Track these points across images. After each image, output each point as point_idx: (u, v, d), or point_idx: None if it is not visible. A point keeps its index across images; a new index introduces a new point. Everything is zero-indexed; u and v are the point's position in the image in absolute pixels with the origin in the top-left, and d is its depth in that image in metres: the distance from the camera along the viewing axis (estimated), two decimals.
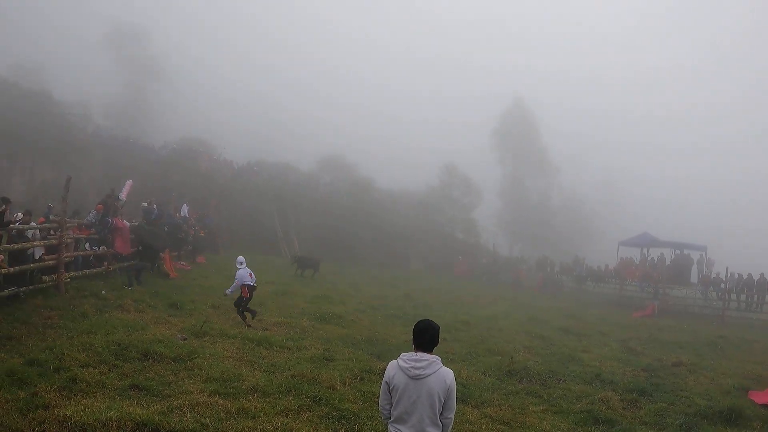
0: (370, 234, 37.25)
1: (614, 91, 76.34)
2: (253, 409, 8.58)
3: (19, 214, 15.15)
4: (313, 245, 35.22)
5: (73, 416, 7.36)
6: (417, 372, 5.20)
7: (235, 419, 8.13)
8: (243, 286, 14.83)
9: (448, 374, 5.29)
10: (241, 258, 15.41)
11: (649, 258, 37.05)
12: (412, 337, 5.37)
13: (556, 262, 38.92)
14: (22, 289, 13.43)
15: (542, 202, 52.80)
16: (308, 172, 43.24)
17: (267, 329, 14.56)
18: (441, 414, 5.26)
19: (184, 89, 46.83)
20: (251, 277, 15.01)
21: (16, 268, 13.28)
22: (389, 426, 5.44)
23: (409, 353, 5.33)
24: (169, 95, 44.41)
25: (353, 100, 66.50)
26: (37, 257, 14.71)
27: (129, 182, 23.03)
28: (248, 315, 14.94)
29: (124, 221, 19.65)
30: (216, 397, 8.88)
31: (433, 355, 5.30)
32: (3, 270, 12.75)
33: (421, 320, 5.46)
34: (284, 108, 56.94)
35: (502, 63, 76.37)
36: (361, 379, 10.97)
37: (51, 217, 16.85)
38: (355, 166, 44.73)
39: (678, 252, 35.75)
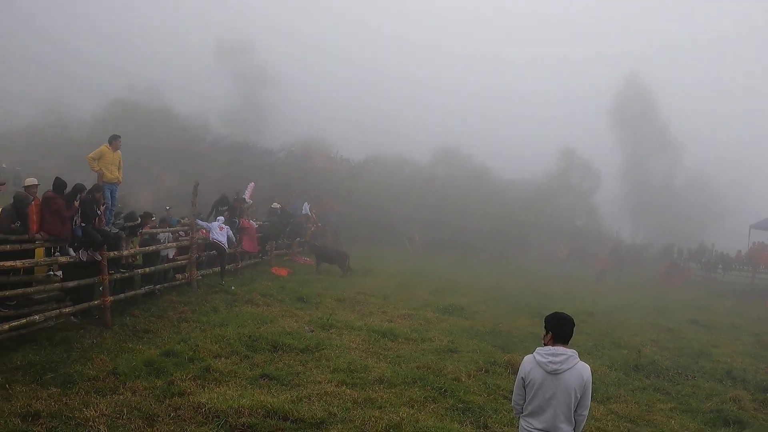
0: (487, 224, 36.42)
1: (738, 58, 69.52)
2: (380, 400, 8.48)
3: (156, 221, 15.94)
4: (431, 238, 35.01)
5: (207, 403, 7.48)
6: (555, 367, 4.94)
7: (362, 409, 8.05)
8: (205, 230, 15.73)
9: (585, 369, 5.01)
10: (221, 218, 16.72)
11: None
12: (545, 330, 5.14)
13: (683, 249, 36.25)
14: (158, 286, 14.07)
15: (665, 183, 49.38)
16: (423, 165, 42.95)
17: (392, 321, 14.45)
18: (575, 411, 5.00)
19: (294, 93, 48.07)
20: (221, 234, 15.66)
21: (152, 268, 13.90)
22: (521, 420, 5.23)
23: (546, 347, 5.08)
24: (280, 100, 45.76)
25: (467, 84, 65.29)
26: (170, 257, 15.40)
27: (251, 184, 23.79)
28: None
29: (250, 221, 20.29)
30: (343, 387, 8.85)
31: (570, 349, 5.03)
32: (140, 270, 13.37)
33: (558, 312, 5.19)
34: (396, 100, 56.83)
35: (611, 40, 71.99)
36: (486, 371, 10.68)
37: (180, 220, 17.64)
38: (471, 155, 43.93)
39: None
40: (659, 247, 37.32)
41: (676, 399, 10.40)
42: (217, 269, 16.89)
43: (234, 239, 15.87)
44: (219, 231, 15.48)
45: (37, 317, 9.83)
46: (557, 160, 45.44)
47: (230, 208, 19.11)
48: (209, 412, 7.31)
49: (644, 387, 10.97)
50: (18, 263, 9.40)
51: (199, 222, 16.05)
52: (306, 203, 27.78)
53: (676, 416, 9.40)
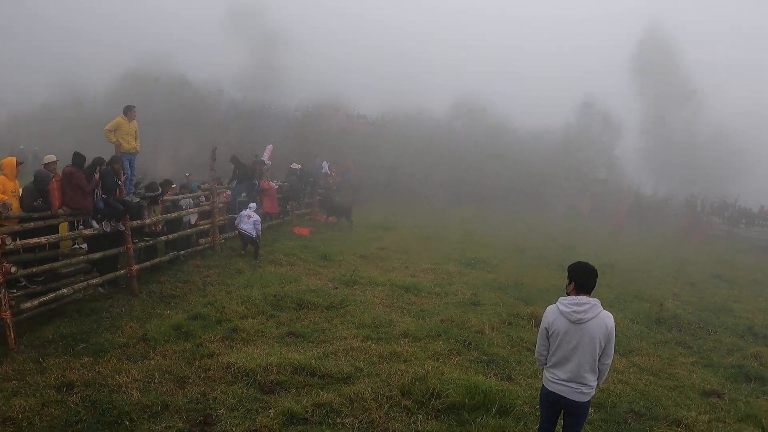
0: (507, 177, 36.14)
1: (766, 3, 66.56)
2: (405, 353, 8.59)
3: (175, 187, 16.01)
4: (451, 192, 34.87)
5: (236, 363, 7.63)
6: (579, 316, 4.94)
7: (387, 363, 8.16)
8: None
9: (608, 318, 5.00)
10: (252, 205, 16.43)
11: None
12: (568, 279, 5.11)
13: (706, 203, 35.64)
14: (182, 252, 14.23)
15: (687, 136, 48.22)
16: (442, 119, 42.46)
17: (415, 276, 14.53)
18: (599, 360, 5.01)
19: (308, 55, 47.40)
20: (248, 223, 15.60)
21: (175, 234, 14.04)
22: (545, 371, 5.25)
23: (569, 297, 5.06)
24: (295, 62, 45.21)
25: (480, 38, 63.96)
26: (192, 223, 15.53)
27: (270, 146, 23.75)
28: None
29: (270, 183, 20.35)
30: (368, 342, 8.98)
31: (593, 299, 5.01)
32: (164, 237, 13.53)
33: (580, 262, 5.16)
34: (414, 60, 55.89)
35: None
36: (509, 323, 10.79)
37: (200, 185, 17.72)
38: (489, 108, 43.29)
39: None
40: (681, 200, 36.82)
41: (698, 353, 10.41)
42: None
43: (260, 227, 16.00)
44: (247, 220, 15.60)
45: (65, 291, 10.02)
46: (577, 113, 44.65)
47: (245, 168, 19.11)
48: (238, 371, 7.46)
49: (666, 341, 11.02)
50: (43, 239, 9.55)
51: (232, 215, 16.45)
52: (325, 162, 27.71)
53: (697, 370, 9.40)
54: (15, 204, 9.50)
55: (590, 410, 5.79)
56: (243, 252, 15.74)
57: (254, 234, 15.41)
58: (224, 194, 17.55)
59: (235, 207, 17.42)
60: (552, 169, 38.03)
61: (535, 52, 62.50)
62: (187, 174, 20.21)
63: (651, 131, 47.93)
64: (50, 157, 10.75)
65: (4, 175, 9.58)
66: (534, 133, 41.44)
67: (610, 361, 5.05)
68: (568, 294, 5.10)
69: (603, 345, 4.94)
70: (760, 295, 16.71)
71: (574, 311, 4.94)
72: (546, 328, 5.14)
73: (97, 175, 11.15)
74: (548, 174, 37.64)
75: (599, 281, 5.14)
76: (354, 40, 56.20)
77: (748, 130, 48.29)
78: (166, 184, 14.56)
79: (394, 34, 60.59)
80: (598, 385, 5.13)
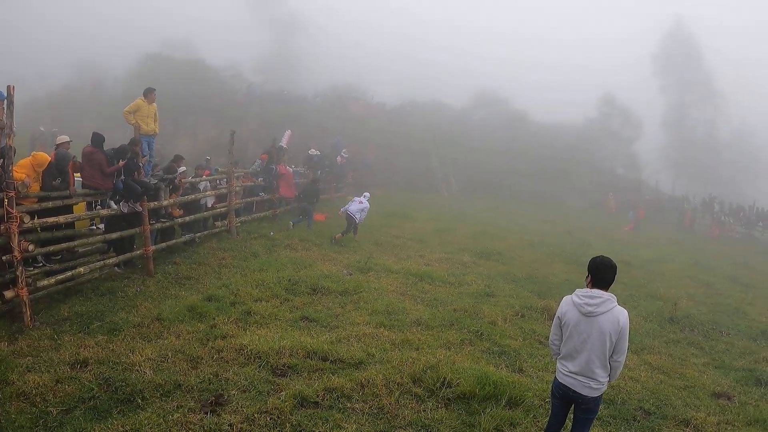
0: (525, 170, 35.94)
1: None
2: (417, 341, 8.61)
3: (183, 168, 16.03)
4: (468, 182, 34.77)
5: (249, 345, 7.67)
6: (590, 309, 4.92)
7: (399, 350, 8.17)
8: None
9: (621, 314, 4.94)
10: (367, 194, 17.75)
11: None
12: (587, 272, 5.09)
13: (725, 202, 35.16)
14: (198, 234, 14.32)
15: (709, 134, 47.41)
16: (461, 109, 42.22)
17: (429, 265, 14.54)
18: (610, 356, 4.97)
19: (327, 40, 47.21)
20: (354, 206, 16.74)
21: (191, 216, 14.13)
22: (557, 363, 5.26)
23: (584, 289, 5.06)
24: (314, 47, 45.11)
25: (506, 31, 63.37)
26: (209, 205, 15.62)
27: (288, 132, 23.80)
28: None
29: (287, 167, 20.39)
30: (381, 329, 9.00)
31: (608, 293, 4.97)
32: (180, 219, 13.62)
33: (599, 256, 5.12)
34: (433, 47, 55.47)
35: None
36: (522, 316, 10.78)
37: (218, 168, 17.80)
38: (509, 99, 42.91)
39: None
40: (699, 199, 36.43)
41: (710, 354, 10.35)
42: (257, 215, 17.95)
43: (364, 214, 17.08)
44: (358, 205, 16.79)
45: (82, 269, 10.14)
46: (598, 106, 44.16)
47: (268, 154, 19.18)
48: (251, 353, 7.50)
49: (678, 340, 10.97)
50: (60, 218, 9.64)
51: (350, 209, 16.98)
52: (344, 148, 27.61)
53: (708, 371, 9.34)
54: (35, 186, 9.59)
55: (600, 406, 5.74)
56: (342, 234, 16.53)
57: (358, 218, 16.52)
58: (241, 178, 17.63)
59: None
60: (570, 163, 37.73)
61: (556, 41, 61.88)
62: (207, 157, 20.29)
63: (671, 127, 47.37)
64: (63, 138, 10.86)
65: (32, 165, 9.61)
66: (553, 127, 41.10)
67: (622, 359, 5.00)
68: (586, 287, 5.09)
69: (614, 341, 4.89)
70: None
71: (586, 303, 4.93)
72: (559, 317, 5.16)
73: (122, 162, 11.24)
74: (567, 168, 37.34)
75: (615, 278, 5.10)
76: (374, 26, 56.02)
77: None
78: (177, 159, 14.55)
79: (414, 20, 60.33)
80: (609, 381, 5.10)
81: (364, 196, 17.34)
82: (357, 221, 16.53)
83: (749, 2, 61.96)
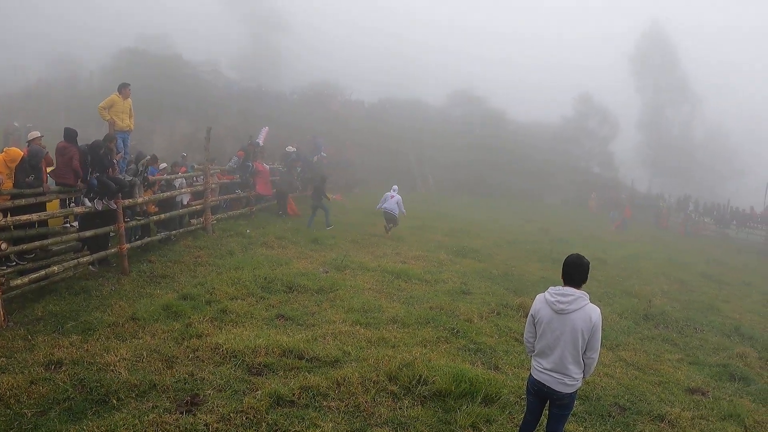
0: (503, 168, 36.23)
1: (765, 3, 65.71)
2: (393, 339, 8.64)
3: (164, 164, 15.93)
4: (446, 180, 34.92)
5: (224, 344, 7.64)
6: (562, 306, 4.98)
7: (375, 348, 8.20)
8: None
9: (594, 311, 5.00)
10: (395, 187, 18.52)
11: None
12: (561, 271, 5.14)
13: (700, 202, 35.82)
14: (173, 232, 14.22)
15: (684, 134, 48.15)
16: (439, 107, 42.39)
17: (405, 262, 14.57)
18: (584, 353, 5.04)
19: (307, 37, 47.10)
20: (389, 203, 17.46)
21: (167, 214, 14.00)
22: (532, 360, 5.32)
23: (557, 287, 5.11)
24: (293, 44, 44.97)
25: (484, 29, 63.64)
26: (185, 203, 15.50)
27: (265, 129, 23.75)
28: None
29: (264, 164, 20.30)
30: (357, 327, 9.02)
31: (580, 291, 5.03)
32: (155, 216, 13.49)
33: (572, 254, 5.19)
34: (411, 42, 55.58)
35: None
36: (498, 313, 10.85)
37: (195, 165, 17.67)
38: (486, 98, 43.21)
39: None
40: (675, 198, 37.05)
41: (684, 351, 10.51)
42: (233, 212, 17.91)
43: (401, 206, 17.82)
44: (390, 200, 17.53)
45: (55, 268, 10.01)
46: (575, 105, 44.65)
47: (245, 151, 19.09)
48: (227, 352, 7.47)
49: (653, 336, 11.10)
50: (34, 216, 9.51)
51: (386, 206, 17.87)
52: (322, 144, 27.57)
53: (683, 367, 9.48)
54: (8, 183, 9.45)
55: (576, 402, 5.82)
56: (388, 230, 17.62)
57: (397, 211, 17.31)
58: (217, 174, 17.51)
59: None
60: (548, 162, 38.08)
61: (535, 40, 62.31)
62: (183, 154, 20.13)
63: (647, 128, 48.01)
64: (34, 134, 10.71)
65: (4, 161, 9.46)
66: (531, 125, 41.46)
67: (595, 356, 5.07)
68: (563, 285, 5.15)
69: (586, 338, 4.96)
70: (749, 296, 16.92)
71: (558, 301, 4.99)
72: (533, 314, 5.22)
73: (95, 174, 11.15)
74: (544, 166, 37.69)
75: (590, 275, 5.17)
76: (353, 24, 55.97)
77: (744, 131, 48.33)
78: (153, 160, 14.43)
79: (394, 18, 60.37)
80: (584, 378, 5.18)
81: (394, 189, 18.03)
82: (396, 215, 17.47)
83: (725, 5, 62.96)
